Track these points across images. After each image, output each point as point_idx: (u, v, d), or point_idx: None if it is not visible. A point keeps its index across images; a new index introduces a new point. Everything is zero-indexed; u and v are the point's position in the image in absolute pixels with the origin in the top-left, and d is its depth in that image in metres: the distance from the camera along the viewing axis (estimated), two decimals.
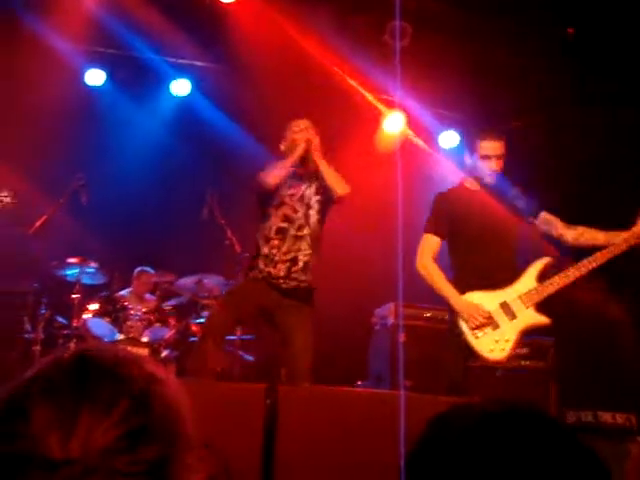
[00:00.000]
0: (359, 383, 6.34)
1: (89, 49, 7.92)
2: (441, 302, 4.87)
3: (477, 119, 8.38)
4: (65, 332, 6.79)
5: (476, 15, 7.40)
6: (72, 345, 6.55)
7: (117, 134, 8.16)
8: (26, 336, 6.73)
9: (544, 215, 4.83)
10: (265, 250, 5.00)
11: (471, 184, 4.91)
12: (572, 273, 4.61)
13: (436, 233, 4.76)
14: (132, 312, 6.91)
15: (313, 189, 5.11)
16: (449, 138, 8.64)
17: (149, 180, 8.00)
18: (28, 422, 0.99)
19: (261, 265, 4.99)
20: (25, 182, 7.15)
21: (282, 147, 5.20)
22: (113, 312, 6.92)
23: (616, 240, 4.60)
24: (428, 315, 5.93)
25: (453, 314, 4.63)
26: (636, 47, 7.10)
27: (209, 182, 7.33)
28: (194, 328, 6.93)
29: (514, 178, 8.02)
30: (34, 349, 6.61)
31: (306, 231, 5.04)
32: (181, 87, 8.20)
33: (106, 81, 8.14)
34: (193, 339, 6.81)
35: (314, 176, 5.13)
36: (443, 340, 4.97)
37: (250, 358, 7.10)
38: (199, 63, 8.15)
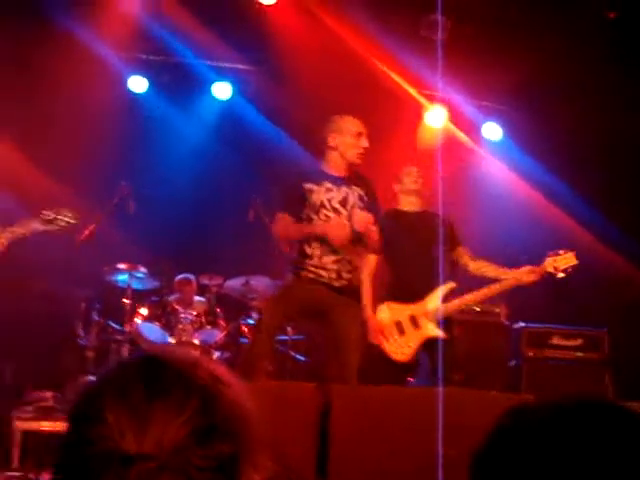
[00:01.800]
0: (410, 380, 6.32)
1: (131, 55, 8.01)
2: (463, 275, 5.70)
3: (520, 110, 8.30)
4: (117, 337, 6.86)
5: (514, 5, 7.33)
6: (125, 350, 6.63)
7: (161, 140, 8.22)
8: (80, 342, 6.82)
9: (460, 248, 5.61)
10: (308, 251, 4.99)
11: (403, 206, 5.63)
12: (469, 299, 5.45)
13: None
14: (182, 315, 6.96)
15: (357, 195, 5.07)
16: (492, 130, 8.56)
17: (194, 184, 8.06)
18: (104, 424, 1.05)
19: (310, 267, 4.99)
20: (71, 190, 7.24)
21: (332, 142, 5.09)
22: (163, 316, 6.98)
23: (506, 276, 5.40)
24: (477, 309, 5.89)
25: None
26: None
27: (253, 185, 7.36)
28: (244, 329, 6.97)
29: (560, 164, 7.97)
30: (88, 355, 6.70)
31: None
32: (222, 90, 8.24)
33: (149, 87, 8.21)
34: (243, 340, 6.84)
35: (354, 180, 5.10)
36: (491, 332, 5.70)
37: (301, 358, 7.11)
38: (240, 66, 8.19)
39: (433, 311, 5.37)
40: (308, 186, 5.02)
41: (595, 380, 6.47)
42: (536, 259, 5.50)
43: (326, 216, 4.98)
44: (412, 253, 5.41)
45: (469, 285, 5.64)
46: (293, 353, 6.95)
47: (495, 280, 5.43)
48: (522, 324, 6.64)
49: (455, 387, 5.07)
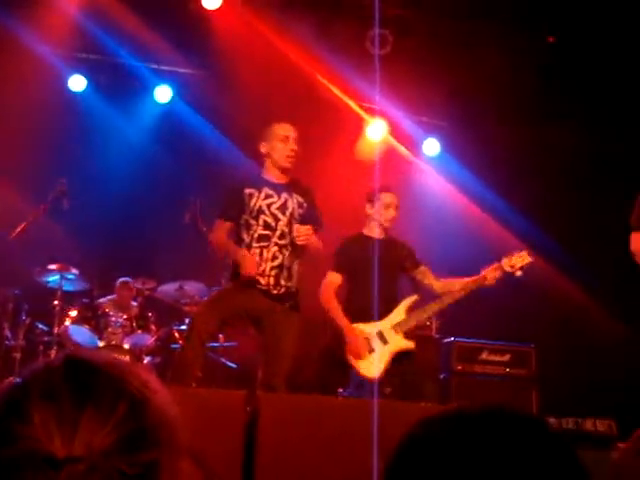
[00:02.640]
0: (340, 390, 6.34)
1: (71, 55, 7.90)
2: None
3: (459, 126, 8.42)
4: (46, 339, 6.75)
5: (456, 22, 7.45)
6: (53, 352, 6.52)
7: (100, 140, 8.14)
8: (6, 343, 6.69)
9: (422, 268, 5.66)
10: None
11: (369, 231, 5.63)
12: (432, 307, 5.53)
13: (337, 272, 5.52)
14: (113, 319, 6.88)
15: (295, 201, 5.10)
16: (431, 146, 8.66)
17: (131, 186, 7.97)
18: (29, 424, 1.04)
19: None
20: (6, 186, 7.11)
21: (263, 149, 5.16)
22: (94, 319, 6.89)
23: (467, 280, 5.49)
24: (416, 298, 5.94)
25: (340, 338, 5.39)
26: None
27: (191, 188, 7.31)
28: (176, 335, 6.91)
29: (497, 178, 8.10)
30: (14, 356, 6.58)
31: (288, 240, 5.04)
32: (163, 93, 8.19)
33: (88, 87, 8.12)
34: (175, 346, 6.78)
35: (293, 187, 5.13)
36: (422, 346, 5.68)
37: (232, 365, 7.08)
38: (182, 70, 8.15)
39: (399, 324, 5.45)
40: (248, 191, 5.05)
41: (521, 395, 6.57)
42: (474, 272, 5.61)
43: (265, 222, 5.00)
44: (378, 278, 5.29)
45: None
46: (224, 360, 6.92)
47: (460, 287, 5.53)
48: (452, 338, 6.72)
49: (386, 399, 5.12)
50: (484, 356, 6.72)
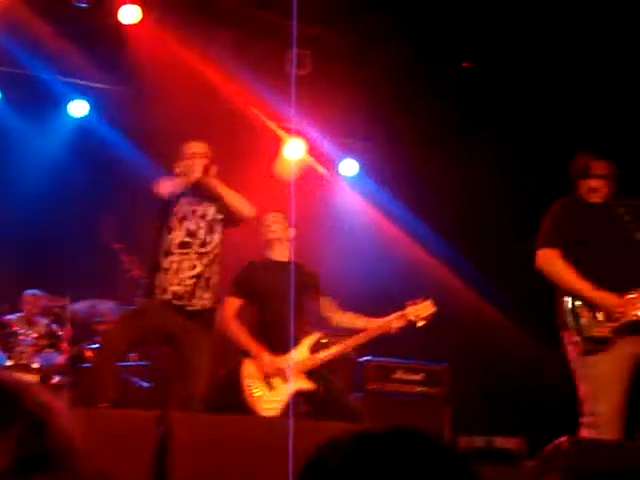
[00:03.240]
0: None
1: None
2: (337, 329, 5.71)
3: (377, 147, 8.52)
4: None
5: (375, 45, 7.55)
6: None
7: (13, 155, 7.95)
8: None
9: (322, 299, 5.58)
10: (165, 264, 4.95)
11: (274, 256, 5.54)
12: (337, 349, 5.44)
13: (237, 296, 5.43)
14: (22, 337, 6.70)
15: (214, 208, 5.09)
16: (349, 166, 8.73)
17: (44, 202, 7.80)
18: None
19: (164, 283, 4.93)
20: None
21: (177, 170, 5.15)
22: (2, 337, 6.70)
23: (371, 326, 5.43)
24: (325, 341, 5.95)
25: (241, 371, 5.31)
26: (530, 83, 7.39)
27: (107, 205, 7.21)
28: (87, 354, 6.76)
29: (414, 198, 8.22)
30: None
31: (209, 248, 5.02)
32: (79, 108, 8.06)
33: (1, 100, 7.93)
34: (86, 365, 6.64)
35: (215, 196, 5.12)
36: (337, 365, 5.65)
37: (145, 385, 6.97)
38: (98, 85, 8.03)
39: (301, 363, 5.32)
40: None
41: (435, 414, 6.66)
42: (392, 297, 5.66)
43: (187, 228, 4.98)
44: (281, 304, 5.27)
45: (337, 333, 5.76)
46: (136, 379, 6.81)
47: (363, 329, 5.46)
48: (367, 358, 6.76)
49: (302, 418, 5.11)
50: (398, 375, 6.78)
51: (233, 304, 5.41)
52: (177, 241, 4.98)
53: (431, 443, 1.16)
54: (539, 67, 7.31)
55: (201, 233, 5.00)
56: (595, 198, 4.68)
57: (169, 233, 4.99)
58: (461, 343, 7.75)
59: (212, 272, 5.03)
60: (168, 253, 4.96)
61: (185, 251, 4.96)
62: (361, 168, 8.72)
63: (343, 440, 1.18)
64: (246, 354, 5.37)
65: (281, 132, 8.19)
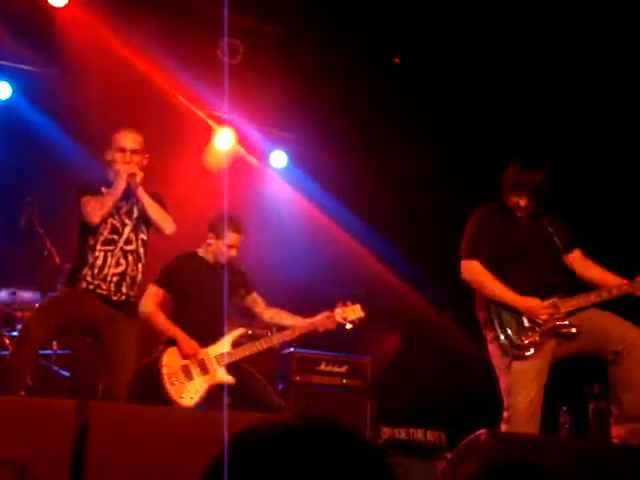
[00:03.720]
0: None
1: None
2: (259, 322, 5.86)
3: (306, 139, 8.53)
4: None
5: (307, 36, 7.55)
6: None
7: None
8: None
9: (253, 295, 5.65)
10: (90, 260, 4.88)
11: (205, 255, 5.57)
12: (259, 345, 5.44)
13: (161, 287, 5.44)
14: None
15: (141, 206, 5.03)
16: (279, 157, 8.72)
17: None
18: None
19: (88, 277, 4.86)
20: None
21: (108, 157, 5.06)
22: None
23: (300, 324, 5.50)
24: (250, 333, 5.95)
25: (161, 361, 5.32)
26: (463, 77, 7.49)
27: (30, 189, 7.04)
28: (6, 341, 6.62)
29: (344, 190, 8.25)
30: None
31: (133, 246, 4.97)
32: (2, 90, 7.84)
33: None
34: (5, 352, 6.50)
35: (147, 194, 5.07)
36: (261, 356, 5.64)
37: (66, 374, 6.85)
38: (24, 66, 7.83)
39: (222, 356, 5.35)
40: (105, 190, 4.98)
41: (357, 406, 6.71)
42: (321, 288, 5.69)
43: (112, 225, 4.94)
44: (206, 299, 5.34)
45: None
46: (57, 368, 6.69)
47: (291, 327, 5.51)
48: (291, 349, 6.78)
49: (221, 410, 5.10)
50: (322, 367, 6.82)
51: (156, 293, 5.40)
52: (101, 238, 4.92)
53: (349, 436, 1.17)
54: (474, 61, 7.41)
55: (126, 230, 4.96)
56: (520, 214, 4.75)
57: (95, 230, 4.91)
58: (384, 335, 7.82)
59: (137, 270, 4.99)
60: (93, 249, 4.91)
61: (110, 248, 4.91)
62: (291, 160, 8.71)
63: (260, 428, 1.18)
64: (168, 344, 5.34)
65: (211, 122, 8.13)
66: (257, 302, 5.63)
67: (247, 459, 1.12)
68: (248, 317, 5.87)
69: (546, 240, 4.74)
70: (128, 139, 5.03)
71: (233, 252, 5.49)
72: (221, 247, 5.47)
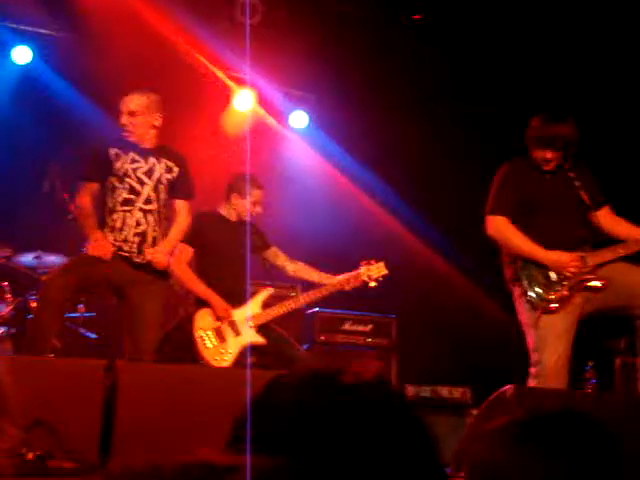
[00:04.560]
0: None
1: None
2: (284, 279, 5.95)
3: (327, 100, 8.47)
4: None
5: None
6: None
7: None
8: None
9: (273, 249, 5.68)
10: (110, 222, 4.88)
11: (227, 214, 5.60)
12: (288, 305, 5.52)
13: (189, 245, 5.43)
14: None
15: (163, 166, 5.01)
16: (299, 118, 8.66)
17: None
18: None
19: (110, 239, 4.86)
20: None
21: (122, 121, 5.03)
22: None
23: (327, 282, 5.53)
24: (271, 292, 5.96)
25: (193, 322, 5.36)
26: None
27: (52, 154, 7.06)
28: (32, 305, 6.67)
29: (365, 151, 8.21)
30: None
31: (154, 206, 4.95)
32: (22, 55, 7.83)
33: None
34: (31, 316, 6.56)
35: (162, 153, 5.05)
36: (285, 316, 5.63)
37: (93, 336, 6.92)
38: (43, 30, 7.81)
39: (253, 317, 5.39)
40: (114, 151, 4.97)
41: (382, 364, 6.73)
42: (343, 249, 5.70)
43: (130, 185, 4.90)
44: (231, 260, 5.38)
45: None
46: (84, 330, 6.75)
47: (316, 284, 5.56)
48: (316, 309, 6.79)
49: (252, 368, 5.14)
50: (347, 326, 6.84)
51: (186, 251, 5.42)
52: (120, 199, 4.90)
53: (384, 387, 1.16)
54: (497, 18, 7.29)
55: (145, 190, 4.93)
56: (547, 167, 4.70)
57: (112, 191, 4.91)
58: (409, 295, 7.82)
59: (159, 231, 4.98)
60: (112, 211, 4.90)
61: (128, 208, 4.89)
62: (311, 120, 8.65)
63: (291, 380, 1.17)
64: (199, 306, 5.35)
65: (231, 83, 8.08)
66: (278, 255, 5.67)
67: (280, 410, 1.11)
68: (271, 276, 5.87)
69: (573, 194, 4.70)
70: (125, 102, 5.02)
71: (259, 209, 5.55)
72: (246, 205, 5.50)
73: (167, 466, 0.91)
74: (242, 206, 5.53)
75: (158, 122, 5.06)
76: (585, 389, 6.03)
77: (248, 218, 5.52)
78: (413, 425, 1.14)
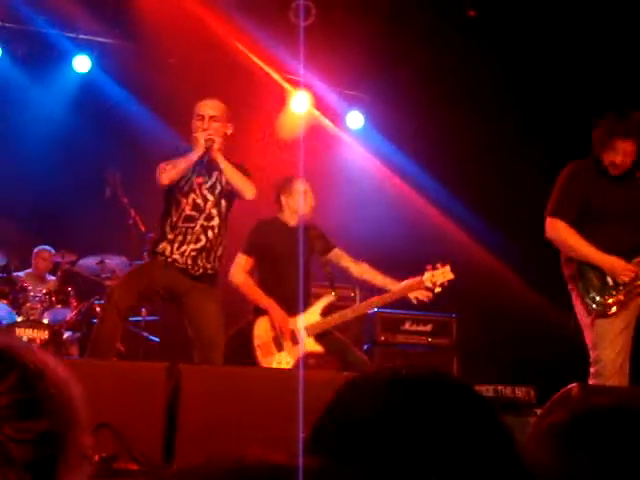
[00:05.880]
0: None
1: None
2: (343, 281, 5.89)
3: (382, 99, 8.44)
4: None
5: None
6: None
7: (17, 111, 7.91)
8: None
9: (336, 251, 5.53)
10: (171, 236, 4.90)
11: (286, 219, 5.46)
12: (348, 313, 5.40)
13: (249, 255, 5.38)
14: (32, 293, 6.73)
15: (224, 180, 4.99)
16: (355, 119, 8.66)
17: (51, 159, 7.78)
18: None
19: (167, 252, 4.89)
20: None
21: (192, 127, 5.02)
22: (11, 293, 6.73)
23: (391, 288, 5.34)
24: (332, 299, 5.94)
25: (252, 331, 5.29)
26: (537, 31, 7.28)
27: (112, 161, 7.18)
28: (97, 309, 6.80)
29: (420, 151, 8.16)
30: None
31: (215, 222, 4.93)
32: (82, 63, 7.98)
33: (4, 56, 7.87)
34: (95, 320, 6.68)
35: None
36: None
37: (156, 339, 7.02)
38: (101, 39, 7.96)
39: (312, 326, 5.28)
40: None
41: (443, 363, 6.69)
42: (400, 251, 5.59)
43: (194, 201, 4.90)
44: (291, 266, 5.22)
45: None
46: (147, 334, 6.85)
47: (380, 289, 5.41)
48: (375, 309, 6.78)
49: (311, 369, 5.14)
50: (407, 326, 6.81)
51: (246, 261, 5.37)
52: (183, 214, 4.91)
53: (463, 387, 1.14)
54: (550, 14, 7.18)
55: (208, 206, 4.92)
56: (615, 172, 4.61)
57: (176, 206, 4.92)
58: (469, 295, 7.75)
59: (216, 244, 4.96)
60: (174, 227, 4.90)
61: (190, 225, 4.89)
62: (366, 121, 8.64)
63: (369, 380, 1.15)
64: (257, 314, 5.34)
65: (287, 85, 8.11)
66: (342, 256, 5.54)
67: (357, 409, 1.10)
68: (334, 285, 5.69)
69: (636, 199, 4.61)
70: (206, 106, 4.97)
71: (310, 199, 5.42)
72: (297, 200, 5.40)
73: (222, 465, 0.92)
74: (294, 202, 5.43)
75: (230, 131, 5.04)
76: None
77: (302, 211, 5.39)
78: (499, 429, 1.12)
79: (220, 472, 0.88)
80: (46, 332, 6.42)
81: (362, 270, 5.51)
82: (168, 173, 4.85)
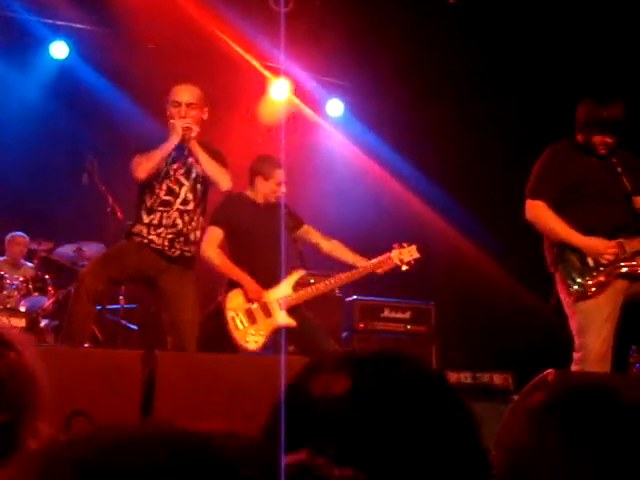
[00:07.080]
0: None
1: None
2: (324, 268, 5.77)
3: (362, 87, 8.43)
4: None
5: None
6: None
7: None
8: None
9: (305, 227, 5.57)
10: (147, 220, 4.87)
11: (254, 197, 5.45)
12: (320, 287, 5.43)
13: (219, 226, 5.32)
14: (8, 281, 6.69)
15: (195, 160, 4.96)
16: (335, 106, 8.64)
17: (26, 145, 7.72)
18: None
19: (144, 232, 4.87)
20: None
21: (167, 112, 4.98)
22: None
23: (360, 264, 5.42)
24: (311, 281, 5.95)
25: (225, 304, 5.30)
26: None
27: (90, 147, 7.13)
28: None
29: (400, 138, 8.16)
30: None
31: (191, 206, 4.92)
32: (59, 49, 7.91)
33: None
34: None
35: (208, 153, 5.01)
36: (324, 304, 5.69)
37: (134, 327, 6.99)
38: (79, 25, 7.88)
39: (284, 299, 5.31)
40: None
41: (422, 351, 6.70)
42: (378, 236, 5.61)
43: (168, 187, 4.87)
44: (262, 241, 5.27)
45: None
46: (125, 322, 6.82)
47: (348, 265, 5.46)
48: (354, 297, 6.78)
49: (288, 355, 5.13)
50: (385, 314, 6.82)
51: (217, 234, 5.32)
52: (158, 200, 4.88)
53: (422, 367, 1.13)
54: (532, 2, 7.18)
55: (183, 191, 4.89)
56: (603, 151, 4.62)
57: (151, 191, 4.88)
58: (447, 282, 7.78)
59: (193, 228, 4.94)
60: (150, 211, 4.88)
61: (166, 209, 4.87)
62: (346, 108, 8.63)
63: (322, 365, 1.14)
64: (230, 287, 5.34)
65: (267, 72, 8.08)
66: (311, 232, 5.59)
67: (310, 392, 1.09)
68: (305, 261, 5.75)
69: (615, 180, 4.61)
70: (184, 92, 4.91)
71: (283, 188, 5.43)
72: (272, 186, 5.41)
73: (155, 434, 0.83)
74: (267, 188, 5.42)
75: (206, 116, 4.99)
76: (629, 373, 5.93)
77: (274, 199, 5.43)
78: (456, 408, 1.11)
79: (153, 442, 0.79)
80: (23, 320, 6.38)
81: (332, 247, 5.55)
82: (144, 166, 4.80)
